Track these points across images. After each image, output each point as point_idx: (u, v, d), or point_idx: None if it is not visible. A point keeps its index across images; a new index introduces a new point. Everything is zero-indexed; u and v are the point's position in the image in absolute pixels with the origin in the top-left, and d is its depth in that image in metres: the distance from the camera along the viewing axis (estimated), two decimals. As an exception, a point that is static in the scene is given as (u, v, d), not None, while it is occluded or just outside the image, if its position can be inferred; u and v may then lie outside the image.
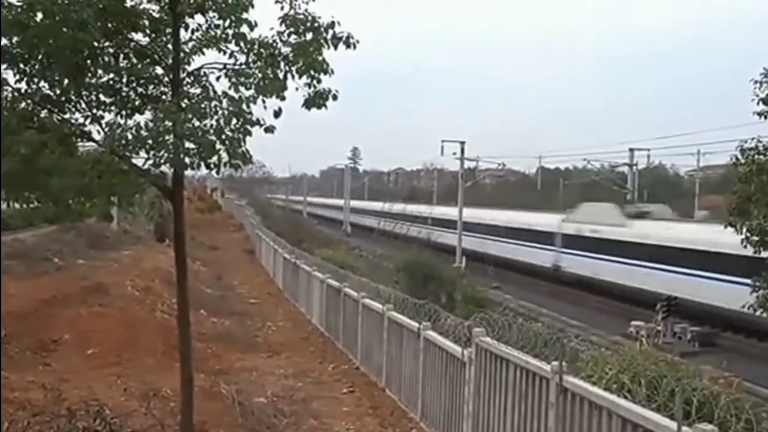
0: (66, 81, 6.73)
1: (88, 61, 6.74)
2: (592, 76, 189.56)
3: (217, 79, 7.15)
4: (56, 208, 7.15)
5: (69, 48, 6.32)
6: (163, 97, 7.20)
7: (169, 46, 7.14)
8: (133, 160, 6.85)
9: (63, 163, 6.71)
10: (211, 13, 7.04)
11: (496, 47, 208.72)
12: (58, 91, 6.79)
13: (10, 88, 6.74)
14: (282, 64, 7.13)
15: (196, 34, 7.19)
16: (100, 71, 6.92)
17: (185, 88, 7.22)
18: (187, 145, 6.54)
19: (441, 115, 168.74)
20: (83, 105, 6.99)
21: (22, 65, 6.53)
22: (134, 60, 7.13)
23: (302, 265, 21.98)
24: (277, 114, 7.09)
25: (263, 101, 7.01)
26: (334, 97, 7.26)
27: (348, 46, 7.11)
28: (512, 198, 64.58)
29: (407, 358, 11.37)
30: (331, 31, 7.03)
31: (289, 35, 7.07)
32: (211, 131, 6.70)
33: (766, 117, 13.93)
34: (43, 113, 6.94)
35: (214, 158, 6.70)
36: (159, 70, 7.25)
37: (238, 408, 10.42)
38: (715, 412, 5.49)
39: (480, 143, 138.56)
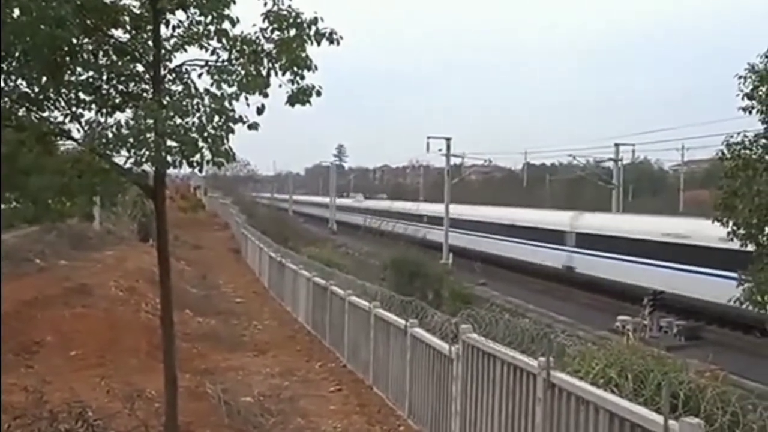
0: (44, 78, 6.65)
1: (67, 59, 6.68)
2: (579, 73, 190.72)
3: (199, 76, 7.10)
4: (35, 208, 7.08)
5: (47, 45, 6.24)
6: (144, 94, 7.15)
7: (150, 42, 7.09)
8: (115, 159, 6.78)
9: (42, 162, 6.64)
10: (192, 10, 6.99)
11: (482, 46, 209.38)
12: (36, 89, 6.72)
13: (-14, 86, 6.64)
14: (265, 61, 7.10)
15: (178, 30, 7.13)
16: (79, 68, 6.86)
17: (167, 86, 7.17)
18: (169, 143, 6.50)
19: (427, 112, 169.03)
20: (62, 103, 6.92)
21: (-2, 62, 6.42)
22: (114, 57, 7.06)
23: (288, 264, 21.88)
24: (260, 111, 7.05)
25: (246, 98, 6.98)
26: (318, 93, 7.24)
27: (331, 42, 7.10)
28: (499, 194, 64.73)
29: (394, 356, 11.34)
30: (314, 28, 7.02)
31: (272, 32, 7.04)
32: (193, 129, 6.66)
33: (750, 112, 13.97)
34: (21, 111, 6.86)
35: (197, 156, 6.66)
36: (140, 68, 7.19)
37: (225, 408, 10.35)
38: (701, 405, 5.50)
39: (467, 140, 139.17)
